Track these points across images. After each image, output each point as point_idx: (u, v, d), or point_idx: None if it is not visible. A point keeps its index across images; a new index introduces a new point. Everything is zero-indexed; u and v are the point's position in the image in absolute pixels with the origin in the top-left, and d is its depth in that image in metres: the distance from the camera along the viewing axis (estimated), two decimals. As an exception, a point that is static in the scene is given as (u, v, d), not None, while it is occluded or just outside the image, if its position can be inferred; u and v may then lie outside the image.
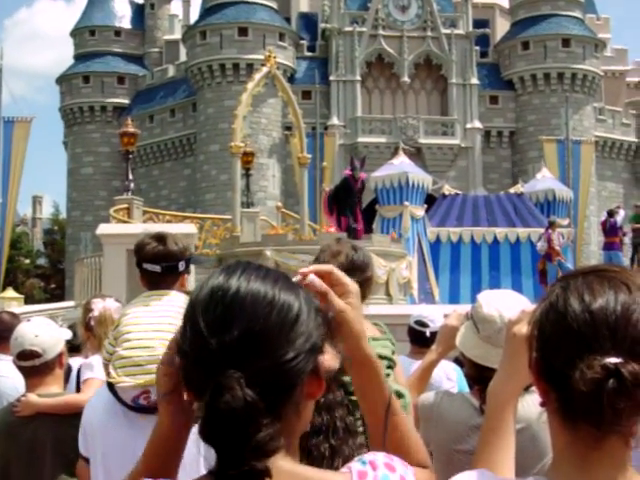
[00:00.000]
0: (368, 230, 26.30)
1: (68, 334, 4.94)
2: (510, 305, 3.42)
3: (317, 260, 3.67)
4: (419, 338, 6.62)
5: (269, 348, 1.52)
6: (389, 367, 3.68)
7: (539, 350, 1.63)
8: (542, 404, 1.65)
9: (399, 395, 3.70)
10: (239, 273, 1.60)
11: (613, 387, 1.50)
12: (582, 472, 1.58)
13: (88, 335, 5.70)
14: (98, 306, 5.53)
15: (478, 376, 3.50)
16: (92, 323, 5.52)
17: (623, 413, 1.51)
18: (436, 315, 6.63)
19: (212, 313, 1.56)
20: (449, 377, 6.31)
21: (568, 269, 25.01)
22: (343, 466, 1.68)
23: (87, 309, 5.64)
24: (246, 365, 1.50)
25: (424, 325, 6.64)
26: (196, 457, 3.37)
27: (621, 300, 1.57)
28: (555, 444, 1.64)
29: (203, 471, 3.49)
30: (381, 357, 3.64)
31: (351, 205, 25.73)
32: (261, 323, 1.53)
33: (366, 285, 3.65)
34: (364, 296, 3.64)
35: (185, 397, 1.77)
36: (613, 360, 1.51)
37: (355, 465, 1.63)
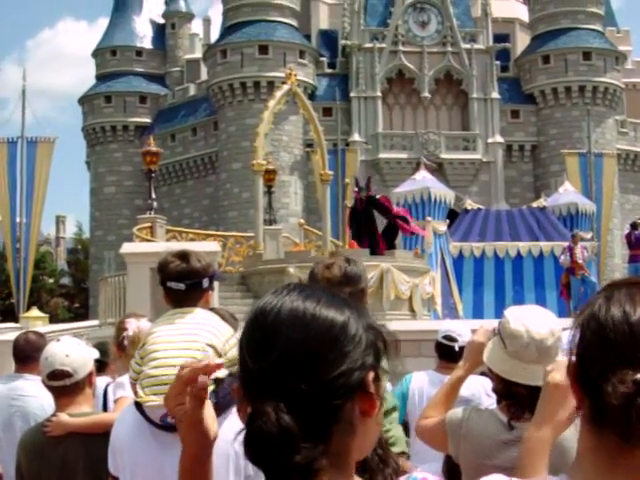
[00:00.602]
0: (391, 246, 26.23)
1: (96, 353, 4.95)
2: (537, 320, 3.43)
3: (312, 272, 3.68)
4: (447, 353, 6.59)
5: (309, 369, 1.52)
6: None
7: (578, 356, 1.63)
8: (577, 408, 1.65)
9: (394, 409, 3.72)
10: (284, 294, 1.61)
11: None
12: (604, 476, 1.58)
13: (120, 354, 5.69)
14: (132, 326, 5.53)
15: (506, 391, 3.51)
16: (125, 343, 5.51)
17: None
18: (464, 330, 6.61)
19: (253, 337, 1.57)
20: (488, 393, 6.29)
21: (592, 283, 24.93)
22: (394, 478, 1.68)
23: (121, 328, 5.63)
24: (286, 389, 1.50)
25: (452, 340, 6.61)
26: (225, 468, 3.39)
27: None
28: (580, 446, 1.65)
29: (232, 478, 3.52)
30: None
31: (357, 225, 25.93)
32: (299, 344, 1.53)
33: (360, 296, 3.67)
34: None
35: (203, 421, 1.80)
36: None
37: None
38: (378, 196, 26.74)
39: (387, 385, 3.73)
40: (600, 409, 1.55)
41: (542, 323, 3.44)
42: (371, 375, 1.58)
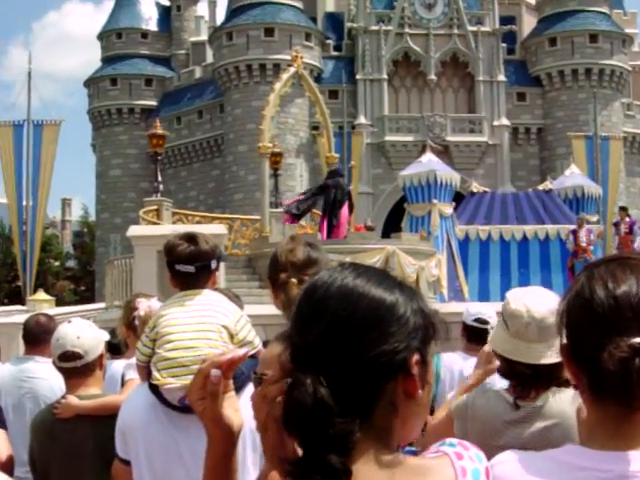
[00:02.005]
0: (397, 229, 26.19)
1: (107, 335, 4.96)
2: (537, 300, 3.48)
3: (274, 256, 3.71)
4: (479, 335, 6.42)
5: (352, 345, 1.54)
6: None
7: (568, 336, 1.72)
8: (575, 387, 1.75)
9: None
10: (337, 271, 1.64)
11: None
12: (616, 440, 1.66)
13: (129, 334, 5.69)
14: (143, 305, 5.51)
15: (510, 371, 3.55)
16: (137, 322, 5.50)
17: None
18: (492, 312, 6.55)
19: (301, 311, 1.61)
20: None
21: None
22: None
23: (131, 308, 5.61)
24: (327, 363, 1.53)
25: (484, 322, 6.52)
26: (242, 445, 3.43)
27: None
28: (588, 420, 1.73)
29: (250, 466, 3.56)
30: None
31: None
32: (344, 320, 1.55)
33: None
34: None
35: (223, 415, 1.80)
36: (639, 340, 1.60)
37: (447, 448, 1.66)
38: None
39: None
40: (599, 380, 1.64)
41: (542, 303, 3.49)
42: (415, 357, 1.59)
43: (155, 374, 3.73)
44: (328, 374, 1.53)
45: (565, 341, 1.73)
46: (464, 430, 3.68)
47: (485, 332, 6.44)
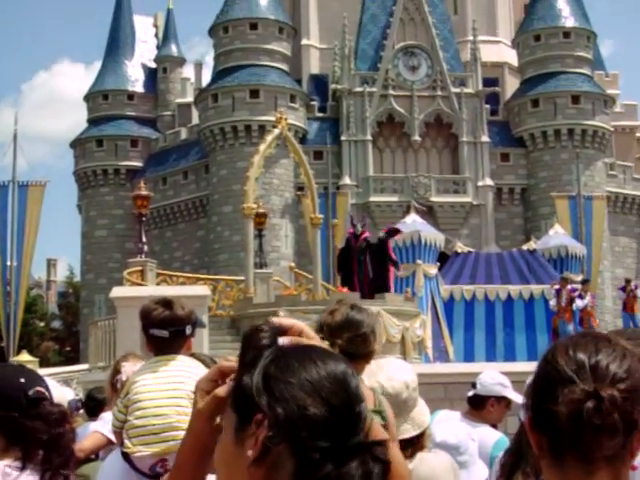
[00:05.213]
0: (383, 289, 26.10)
1: (71, 394, 4.94)
2: (391, 375, 3.50)
3: (320, 321, 3.69)
4: (468, 398, 6.32)
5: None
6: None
7: (532, 401, 1.72)
8: (538, 457, 1.71)
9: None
10: (318, 356, 1.55)
11: (592, 406, 1.60)
12: None
13: (112, 395, 5.69)
14: (127, 370, 5.52)
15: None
16: (119, 386, 5.51)
17: (603, 436, 1.60)
18: (490, 378, 6.22)
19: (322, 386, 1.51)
20: (473, 438, 6.16)
21: (568, 331, 24.61)
22: None
23: (116, 370, 5.62)
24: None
25: (473, 385, 6.39)
26: None
27: (601, 349, 1.70)
28: None
29: None
30: None
31: (352, 265, 25.62)
32: (345, 412, 1.51)
33: (359, 341, 3.54)
34: (359, 352, 3.56)
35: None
36: (592, 387, 1.62)
37: None
38: (381, 236, 26.55)
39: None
40: (557, 435, 1.64)
41: (396, 377, 3.48)
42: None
43: (126, 442, 3.73)
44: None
45: (529, 411, 1.72)
46: None
47: (468, 395, 6.40)
